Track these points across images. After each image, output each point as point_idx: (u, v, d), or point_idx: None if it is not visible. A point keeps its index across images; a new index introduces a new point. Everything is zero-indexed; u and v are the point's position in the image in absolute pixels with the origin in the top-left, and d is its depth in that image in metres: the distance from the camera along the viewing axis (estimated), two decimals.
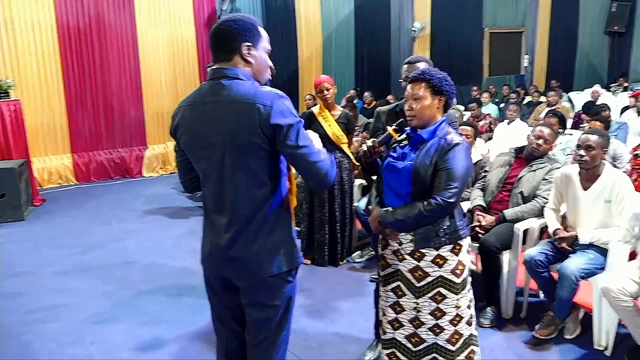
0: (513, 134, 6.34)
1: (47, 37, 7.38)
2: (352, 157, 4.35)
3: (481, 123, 7.01)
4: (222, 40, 1.82)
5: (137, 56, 8.12)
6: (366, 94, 9.52)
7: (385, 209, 2.27)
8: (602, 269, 3.01)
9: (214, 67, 1.85)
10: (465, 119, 7.06)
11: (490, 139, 6.68)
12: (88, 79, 7.76)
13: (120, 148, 8.20)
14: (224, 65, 1.82)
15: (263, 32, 1.87)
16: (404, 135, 2.34)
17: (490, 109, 8.67)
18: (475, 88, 10.53)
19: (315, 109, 4.35)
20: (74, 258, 4.71)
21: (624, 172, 3.90)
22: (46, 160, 7.61)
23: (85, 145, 7.89)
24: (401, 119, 2.35)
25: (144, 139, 8.41)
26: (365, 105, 9.33)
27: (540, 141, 3.54)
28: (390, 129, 2.31)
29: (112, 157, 8.09)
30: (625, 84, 11.96)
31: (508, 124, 6.72)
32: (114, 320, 3.53)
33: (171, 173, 8.33)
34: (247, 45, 1.81)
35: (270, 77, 1.94)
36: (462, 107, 8.46)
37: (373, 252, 4.13)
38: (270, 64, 1.92)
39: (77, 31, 7.57)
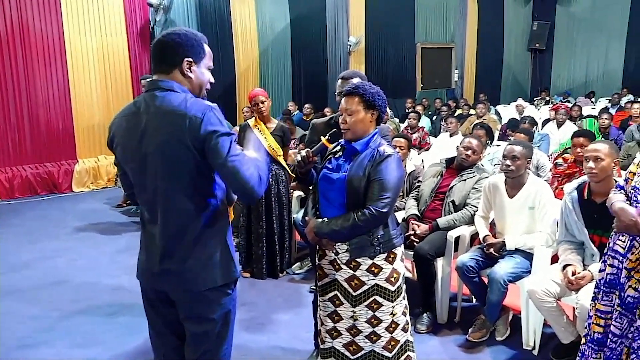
0: (453, 147, 6.51)
1: None
2: (288, 169, 4.38)
3: (414, 136, 7.22)
4: (164, 52, 1.81)
5: (65, 66, 7.77)
6: (306, 105, 9.58)
7: (321, 219, 2.30)
8: (528, 272, 3.18)
9: (151, 78, 1.83)
10: (401, 130, 7.25)
11: (420, 152, 6.84)
12: (11, 89, 7.33)
13: (48, 162, 7.78)
14: (162, 77, 1.81)
15: (207, 50, 1.87)
16: (338, 147, 2.40)
17: (423, 122, 8.95)
18: (409, 101, 10.85)
19: (250, 122, 4.35)
20: None
21: (546, 180, 4.15)
22: None
23: (8, 159, 7.43)
24: (334, 129, 2.41)
25: (74, 153, 8.04)
26: (304, 117, 9.39)
27: (469, 152, 3.71)
28: (323, 139, 2.37)
29: (39, 172, 7.66)
30: (547, 98, 12.76)
31: (450, 136, 6.88)
32: (42, 344, 3.34)
33: (103, 188, 8.03)
34: (188, 61, 1.81)
35: (207, 89, 1.94)
36: (397, 120, 8.68)
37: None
38: (212, 79, 1.92)
39: None
